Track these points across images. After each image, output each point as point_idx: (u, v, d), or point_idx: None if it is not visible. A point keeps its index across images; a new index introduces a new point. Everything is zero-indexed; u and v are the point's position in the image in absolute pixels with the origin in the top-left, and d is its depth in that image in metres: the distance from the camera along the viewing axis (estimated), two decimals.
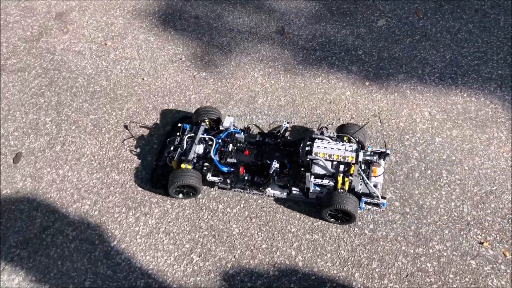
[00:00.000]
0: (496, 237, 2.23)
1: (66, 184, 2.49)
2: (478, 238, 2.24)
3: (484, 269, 2.14)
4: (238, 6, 3.33)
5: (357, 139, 2.34)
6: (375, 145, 2.57)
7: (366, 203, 2.23)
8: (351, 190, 2.19)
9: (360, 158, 2.25)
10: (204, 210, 2.38)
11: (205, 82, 2.93)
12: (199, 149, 2.36)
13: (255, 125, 2.63)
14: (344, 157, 2.21)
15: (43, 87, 2.92)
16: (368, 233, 2.27)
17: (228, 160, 2.32)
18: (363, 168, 2.29)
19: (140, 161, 2.56)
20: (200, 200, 2.40)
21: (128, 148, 2.61)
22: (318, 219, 2.31)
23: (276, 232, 2.29)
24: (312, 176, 2.22)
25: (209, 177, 2.32)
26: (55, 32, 3.23)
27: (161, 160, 2.46)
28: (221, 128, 2.43)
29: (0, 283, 2.17)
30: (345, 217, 2.22)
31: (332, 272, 2.16)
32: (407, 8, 3.27)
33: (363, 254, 2.21)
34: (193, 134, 2.40)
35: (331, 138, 2.32)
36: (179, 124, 2.49)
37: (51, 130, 2.71)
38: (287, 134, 2.48)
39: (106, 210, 2.39)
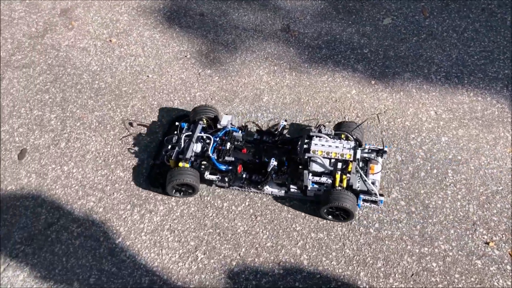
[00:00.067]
0: (502, 237, 2.23)
1: (71, 180, 2.48)
2: (484, 238, 2.23)
3: (490, 269, 2.13)
4: (243, 4, 3.32)
5: (354, 137, 2.33)
6: (381, 144, 2.56)
7: (364, 200, 2.24)
8: (349, 187, 2.19)
9: (358, 156, 2.25)
10: (209, 207, 2.37)
11: (210, 80, 2.92)
12: (197, 147, 2.36)
13: (254, 122, 2.62)
14: (342, 155, 2.20)
15: (48, 83, 2.92)
16: (373, 232, 2.26)
17: (226, 158, 2.31)
18: (361, 165, 2.29)
19: (144, 158, 2.55)
20: (205, 198, 2.40)
21: (126, 146, 2.61)
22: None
23: (281, 231, 2.29)
24: (310, 174, 2.22)
25: (207, 175, 2.32)
26: (60, 29, 3.22)
27: (159, 159, 2.46)
28: (218, 126, 2.43)
29: None
30: (343, 215, 2.22)
31: (337, 271, 2.16)
32: (413, 7, 3.25)
33: (368, 253, 2.20)
34: (190, 133, 2.40)
35: (328, 135, 2.31)
36: (177, 123, 2.48)
37: (56, 127, 2.71)
38: (285, 132, 2.47)
39: (111, 207, 2.38)
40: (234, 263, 2.19)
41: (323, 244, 2.24)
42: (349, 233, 2.27)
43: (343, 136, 2.33)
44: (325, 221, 2.30)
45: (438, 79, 2.86)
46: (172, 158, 2.33)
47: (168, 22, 3.24)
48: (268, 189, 2.34)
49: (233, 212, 2.36)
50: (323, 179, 2.22)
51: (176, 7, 3.32)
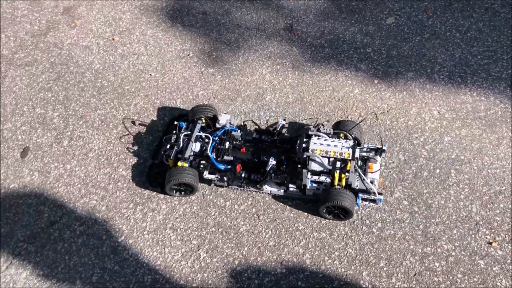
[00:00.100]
0: (505, 237, 2.22)
1: (73, 179, 2.49)
2: (487, 238, 2.22)
3: (493, 269, 2.13)
4: (246, 3, 3.32)
5: (353, 136, 2.33)
6: (384, 144, 2.56)
7: (363, 199, 2.24)
8: (348, 186, 2.20)
9: (357, 155, 2.25)
10: (211, 206, 2.37)
11: (212, 79, 2.92)
12: (196, 147, 2.36)
13: (253, 121, 2.62)
14: (341, 154, 2.20)
15: (50, 81, 2.92)
16: (376, 231, 2.26)
17: (225, 157, 2.31)
18: (359, 164, 2.29)
19: (147, 156, 2.55)
20: (208, 197, 2.40)
21: (127, 145, 2.61)
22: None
23: (283, 230, 2.29)
24: (309, 173, 2.22)
25: (206, 175, 2.32)
26: (62, 27, 3.22)
27: (158, 158, 2.46)
28: (217, 126, 2.43)
29: (0, 277, 2.17)
30: (342, 213, 2.22)
31: (339, 270, 2.16)
32: (417, 6, 3.24)
33: (371, 252, 2.20)
34: (189, 132, 2.39)
35: (327, 134, 2.31)
36: (175, 122, 2.48)
37: (59, 125, 2.71)
38: (284, 131, 2.46)
39: (114, 205, 2.38)
40: (236, 262, 2.19)
41: (325, 243, 2.24)
42: (352, 232, 2.26)
43: (341, 135, 2.33)
44: (327, 220, 2.30)
45: (441, 78, 2.86)
46: (171, 157, 2.32)
47: (170, 21, 3.24)
48: (267, 188, 2.34)
49: (235, 211, 2.35)
50: (322, 178, 2.22)
51: (178, 6, 3.32)
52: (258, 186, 2.31)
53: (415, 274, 2.14)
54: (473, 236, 2.23)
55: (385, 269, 2.16)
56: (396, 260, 2.18)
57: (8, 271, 2.18)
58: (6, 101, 2.82)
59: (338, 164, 2.21)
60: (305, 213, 2.33)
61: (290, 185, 2.30)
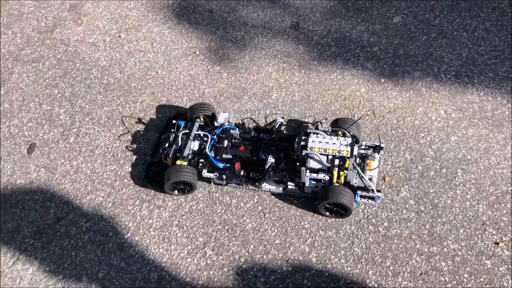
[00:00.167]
0: None
1: (80, 175, 2.49)
2: (493, 238, 2.22)
3: (500, 269, 2.13)
4: (252, 1, 3.31)
5: (351, 133, 2.33)
6: (390, 143, 2.56)
7: (362, 196, 2.24)
8: (347, 184, 2.20)
9: (355, 152, 2.25)
10: (217, 204, 2.37)
11: (219, 76, 2.91)
12: (194, 145, 2.36)
13: (251, 118, 2.62)
14: (339, 151, 2.21)
15: (57, 78, 2.92)
16: (382, 230, 2.26)
17: (224, 156, 2.31)
18: (358, 162, 2.29)
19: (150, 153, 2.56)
20: (214, 194, 2.40)
21: (124, 144, 2.61)
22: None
23: (289, 228, 2.29)
24: (308, 171, 2.22)
25: (205, 173, 2.32)
26: (69, 23, 3.22)
27: (156, 157, 2.46)
28: (215, 124, 2.42)
29: (2, 273, 2.18)
30: (341, 211, 2.22)
31: (345, 269, 2.16)
32: (423, 5, 3.23)
33: (377, 251, 2.20)
34: (187, 131, 2.39)
35: (325, 132, 2.31)
36: (174, 121, 2.48)
37: (65, 122, 2.72)
38: (282, 128, 2.47)
39: (120, 202, 2.39)
40: (242, 260, 2.20)
41: (331, 242, 2.24)
42: (358, 231, 2.26)
43: (340, 132, 2.33)
44: (333, 219, 2.30)
45: (448, 78, 2.85)
46: (170, 156, 2.32)
47: (177, 18, 3.24)
48: (265, 186, 2.34)
49: (241, 209, 2.35)
50: (321, 175, 2.22)
51: (185, 3, 3.32)
52: (256, 184, 2.31)
53: (421, 274, 2.13)
54: (479, 236, 2.23)
55: (391, 268, 2.15)
56: (402, 259, 2.18)
57: (15, 267, 2.19)
58: (13, 97, 2.82)
59: (337, 161, 2.22)
60: (311, 212, 2.33)
61: (289, 183, 2.30)
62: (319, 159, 2.22)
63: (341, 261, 2.18)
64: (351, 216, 2.29)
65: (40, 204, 2.39)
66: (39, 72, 2.95)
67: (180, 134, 2.37)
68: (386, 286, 2.10)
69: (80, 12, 3.29)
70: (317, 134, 2.28)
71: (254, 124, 2.53)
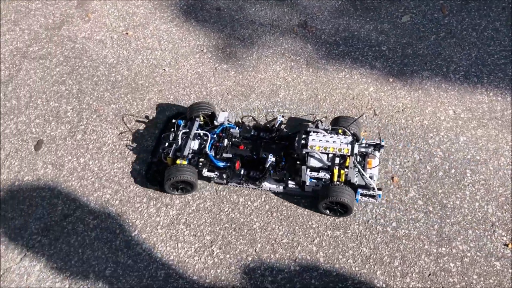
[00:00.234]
0: None
1: (87, 172, 2.49)
2: (503, 239, 2.20)
3: (509, 271, 2.11)
4: None
5: (352, 132, 2.32)
6: (399, 142, 2.54)
7: (362, 195, 2.23)
8: (347, 182, 2.19)
9: (356, 150, 2.24)
10: (225, 202, 2.36)
11: (226, 75, 2.90)
12: (194, 144, 2.35)
13: (251, 116, 2.60)
14: (340, 150, 2.20)
15: (64, 75, 2.92)
16: (390, 231, 2.25)
17: (224, 155, 2.30)
18: (358, 160, 2.28)
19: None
20: (221, 193, 2.39)
21: (125, 142, 2.60)
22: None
23: (297, 227, 2.28)
24: (308, 169, 2.21)
25: (205, 172, 2.31)
26: (76, 20, 3.22)
27: (156, 157, 2.45)
28: (215, 123, 2.41)
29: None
30: (342, 209, 2.21)
31: (353, 269, 2.14)
32: (432, 5, 3.21)
33: (385, 252, 2.19)
34: (187, 130, 2.38)
35: (326, 131, 2.30)
36: (173, 120, 2.47)
37: (72, 118, 2.71)
38: (282, 127, 2.45)
39: (127, 199, 2.38)
40: (250, 259, 2.19)
41: (339, 242, 2.22)
42: (366, 231, 2.25)
43: (340, 131, 2.32)
44: (341, 219, 2.29)
45: (457, 78, 2.83)
46: (170, 155, 2.31)
47: (184, 16, 3.23)
48: (266, 185, 2.33)
49: (249, 208, 2.35)
50: (321, 174, 2.21)
51: (192, 1, 3.31)
52: (257, 183, 2.30)
53: (429, 274, 2.12)
54: (489, 237, 2.21)
55: (399, 268, 2.14)
56: (410, 260, 2.16)
57: (22, 263, 2.19)
58: (20, 94, 2.82)
59: (337, 160, 2.21)
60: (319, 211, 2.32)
61: (289, 182, 2.29)
62: (319, 157, 2.21)
63: (349, 261, 2.17)
64: (359, 216, 2.28)
65: (47, 201, 2.39)
66: (46, 69, 2.95)
67: (180, 134, 2.36)
68: (394, 287, 2.09)
69: (87, 9, 3.28)
70: (317, 132, 2.28)
71: (254, 122, 2.53)
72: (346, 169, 2.18)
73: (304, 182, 2.24)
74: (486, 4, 3.19)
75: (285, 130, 2.49)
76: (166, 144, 2.38)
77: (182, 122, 2.45)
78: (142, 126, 2.67)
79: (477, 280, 2.09)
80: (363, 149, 2.32)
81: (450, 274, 2.12)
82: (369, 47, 3.00)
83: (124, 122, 2.68)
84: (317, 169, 2.22)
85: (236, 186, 2.38)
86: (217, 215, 2.32)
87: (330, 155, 2.22)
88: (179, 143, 2.34)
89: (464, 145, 2.53)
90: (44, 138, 2.63)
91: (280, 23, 3.16)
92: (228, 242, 2.24)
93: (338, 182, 2.17)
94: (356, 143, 2.27)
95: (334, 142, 2.22)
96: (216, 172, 2.32)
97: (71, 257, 2.21)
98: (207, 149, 2.29)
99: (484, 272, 2.11)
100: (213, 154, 2.31)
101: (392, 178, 2.41)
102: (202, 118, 2.46)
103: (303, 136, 2.26)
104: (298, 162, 2.24)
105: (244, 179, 2.33)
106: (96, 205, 2.37)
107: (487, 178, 2.40)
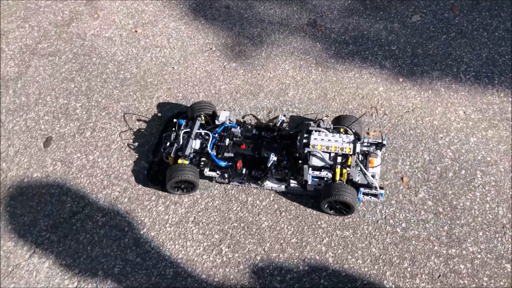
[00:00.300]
0: None
1: (96, 170, 2.49)
2: None
3: None
4: None
5: (353, 131, 2.31)
6: (408, 143, 2.52)
7: (364, 193, 2.22)
8: (349, 181, 2.18)
9: (358, 149, 2.23)
10: (233, 201, 2.36)
11: (235, 73, 2.90)
12: (196, 144, 2.34)
13: (253, 115, 2.59)
14: (342, 149, 2.19)
15: (73, 72, 2.92)
16: (400, 231, 2.23)
17: (225, 154, 2.30)
18: (360, 159, 2.27)
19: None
20: (230, 191, 2.39)
21: (126, 141, 2.60)
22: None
23: (306, 227, 2.27)
24: (310, 168, 2.20)
25: (207, 172, 2.30)
26: (85, 18, 3.22)
27: (157, 156, 2.44)
28: (216, 122, 2.40)
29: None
30: (344, 209, 2.20)
31: (363, 269, 2.13)
32: (443, 4, 3.19)
33: (394, 252, 2.18)
34: (189, 129, 2.37)
35: (327, 130, 2.29)
36: (174, 120, 2.46)
37: (81, 116, 2.72)
38: (284, 125, 2.44)
39: (136, 197, 2.38)
40: (258, 258, 2.18)
41: (348, 242, 2.21)
42: (376, 232, 2.24)
43: (342, 130, 2.31)
44: (350, 219, 2.28)
45: (468, 78, 2.81)
46: (171, 155, 2.30)
47: (193, 14, 3.23)
48: (268, 184, 2.32)
49: (257, 207, 2.34)
50: (323, 173, 2.20)
51: None
52: (259, 182, 2.29)
53: (439, 276, 2.11)
54: (499, 239, 2.19)
55: (409, 269, 2.13)
56: (420, 261, 2.15)
57: (31, 260, 2.19)
58: (30, 91, 2.83)
59: (339, 159, 2.20)
60: None
61: (291, 181, 2.28)
62: (321, 156, 2.21)
63: (358, 261, 2.16)
64: (368, 216, 2.27)
65: (56, 198, 2.39)
66: (55, 66, 2.95)
67: (181, 133, 2.35)
68: None
69: (96, 7, 3.28)
70: (319, 131, 2.27)
71: (255, 121, 2.52)
72: (348, 168, 2.18)
73: (306, 181, 2.23)
74: (497, 4, 3.17)
75: (286, 129, 2.48)
76: (168, 143, 2.37)
77: (183, 122, 2.45)
78: (147, 124, 2.66)
79: (487, 282, 2.08)
80: (365, 148, 2.31)
81: (460, 276, 2.10)
82: (379, 47, 2.98)
83: (125, 120, 2.67)
84: (319, 168, 2.22)
85: (238, 185, 2.37)
86: (226, 214, 2.32)
87: (332, 154, 2.21)
88: (181, 142, 2.34)
89: (475, 146, 2.51)
90: (53, 135, 2.64)
91: (289, 22, 3.15)
92: (236, 241, 2.23)
93: (340, 181, 2.17)
94: (358, 142, 2.26)
95: (336, 141, 2.22)
96: (217, 172, 2.32)
97: (79, 254, 2.21)
98: (208, 149, 2.29)
99: (494, 274, 2.10)
100: (215, 154, 2.30)
101: (402, 178, 2.40)
102: (203, 118, 2.46)
103: (305, 135, 2.26)
104: (300, 161, 2.24)
105: (246, 179, 2.32)
106: (105, 202, 2.37)
107: (497, 180, 2.38)
